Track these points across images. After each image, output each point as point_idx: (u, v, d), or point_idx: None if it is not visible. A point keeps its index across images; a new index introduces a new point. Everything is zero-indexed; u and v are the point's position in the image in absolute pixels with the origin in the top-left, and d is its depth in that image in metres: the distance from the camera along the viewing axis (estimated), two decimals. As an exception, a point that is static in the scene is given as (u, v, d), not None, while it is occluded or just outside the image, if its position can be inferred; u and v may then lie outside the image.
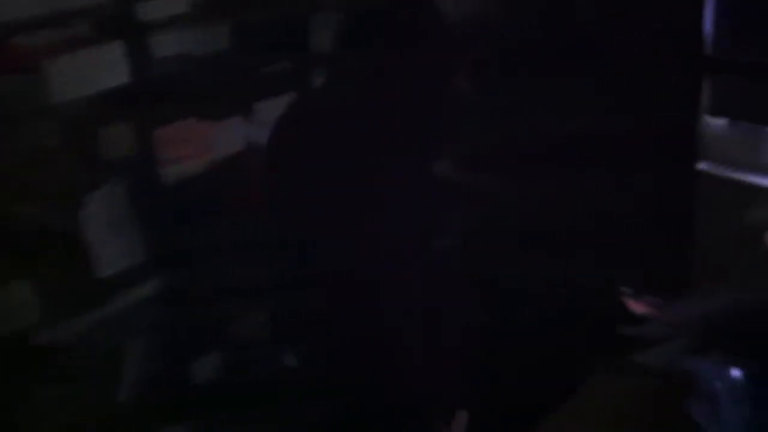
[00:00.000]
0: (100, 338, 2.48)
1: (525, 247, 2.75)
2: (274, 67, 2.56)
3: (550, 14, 3.05)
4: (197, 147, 2.61)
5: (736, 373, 1.70)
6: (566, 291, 2.82)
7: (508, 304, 2.63)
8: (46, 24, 2.30)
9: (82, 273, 2.47)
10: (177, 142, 2.60)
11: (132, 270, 2.60)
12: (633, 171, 3.24)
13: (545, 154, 3.06)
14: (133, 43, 2.44)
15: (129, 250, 2.60)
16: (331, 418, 1.81)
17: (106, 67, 2.42)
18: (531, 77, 3.05)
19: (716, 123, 3.16)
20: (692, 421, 1.59)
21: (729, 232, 2.72)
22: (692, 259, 3.18)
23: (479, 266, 2.35)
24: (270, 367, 2.45)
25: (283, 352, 2.24)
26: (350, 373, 1.80)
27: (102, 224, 2.54)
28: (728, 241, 2.71)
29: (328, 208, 1.71)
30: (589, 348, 2.22)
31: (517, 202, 3.02)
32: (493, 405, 2.18)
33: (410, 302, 1.75)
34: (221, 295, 2.60)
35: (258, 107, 2.60)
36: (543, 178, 3.05)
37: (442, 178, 2.15)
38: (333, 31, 1.86)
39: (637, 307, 2.85)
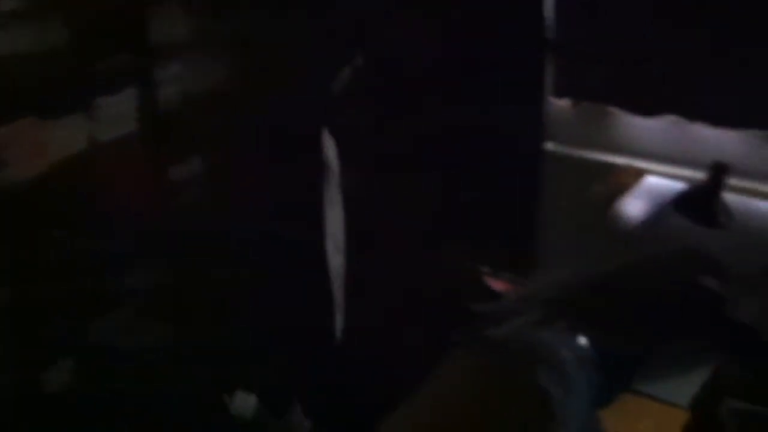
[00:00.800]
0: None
1: (381, 231, 2.76)
2: (114, 61, 2.48)
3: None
4: (36, 148, 2.49)
5: (582, 341, 1.76)
6: (425, 272, 2.85)
7: (366, 284, 2.63)
8: None
9: None
10: (14, 144, 2.48)
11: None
12: (484, 154, 3.32)
13: (400, 140, 3.08)
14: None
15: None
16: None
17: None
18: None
19: (560, 104, 3.28)
20: (542, 390, 1.63)
21: (576, 209, 2.81)
22: (542, 236, 3.29)
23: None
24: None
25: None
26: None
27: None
28: (575, 217, 2.81)
29: None
30: (445, 326, 2.25)
31: (372, 189, 3.02)
32: (352, 386, 2.20)
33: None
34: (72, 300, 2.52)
35: (99, 103, 2.51)
36: (400, 165, 3.07)
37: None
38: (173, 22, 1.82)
39: (495, 284, 2.94)
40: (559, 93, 3.26)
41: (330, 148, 1.97)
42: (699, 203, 2.37)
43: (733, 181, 2.39)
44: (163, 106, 2.58)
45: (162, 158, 2.61)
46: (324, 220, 1.95)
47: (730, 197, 2.36)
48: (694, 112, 2.95)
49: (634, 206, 2.69)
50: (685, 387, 1.94)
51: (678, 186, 2.50)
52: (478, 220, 3.30)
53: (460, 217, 3.31)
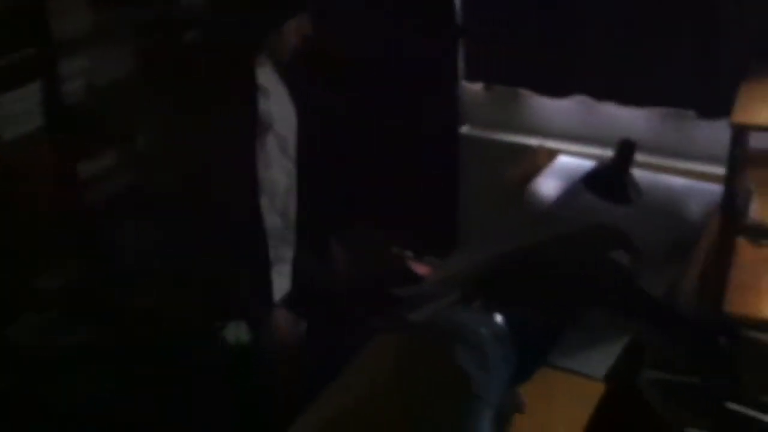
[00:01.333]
0: None
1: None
2: (16, 56, 2.40)
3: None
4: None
5: (498, 319, 1.78)
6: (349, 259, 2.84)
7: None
8: None
9: None
10: None
11: None
12: (401, 140, 3.33)
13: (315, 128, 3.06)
14: None
15: None
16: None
17: None
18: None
19: (473, 88, 3.31)
20: (462, 370, 1.65)
21: (491, 191, 2.84)
22: (460, 218, 3.33)
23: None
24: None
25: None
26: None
27: None
28: (491, 198, 2.84)
29: None
30: (370, 311, 2.26)
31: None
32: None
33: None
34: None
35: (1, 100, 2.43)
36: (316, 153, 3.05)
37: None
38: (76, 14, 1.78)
39: (418, 269, 2.96)
40: (472, 77, 3.29)
41: (266, 104, 1.95)
42: (608, 180, 2.42)
43: (640, 158, 2.45)
44: (69, 100, 2.51)
45: (70, 154, 2.54)
46: (257, 177, 1.93)
47: (638, 173, 2.42)
48: (601, 92, 3.02)
49: (547, 185, 2.74)
50: (601, 360, 1.98)
51: (588, 164, 2.55)
52: (398, 206, 3.31)
53: (381, 203, 3.32)
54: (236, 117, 1.92)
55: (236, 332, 2.01)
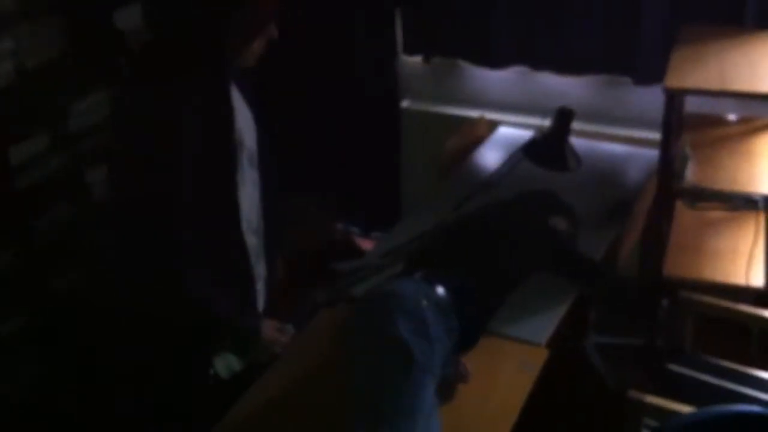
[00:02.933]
0: None
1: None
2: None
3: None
4: None
5: (439, 290, 1.79)
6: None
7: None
8: None
9: None
10: None
11: None
12: (341, 115, 3.31)
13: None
14: None
15: None
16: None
17: None
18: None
19: (412, 61, 3.29)
20: (403, 341, 1.65)
21: (433, 163, 2.84)
22: (403, 191, 3.32)
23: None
24: None
25: None
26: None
27: None
28: (432, 170, 2.84)
29: None
30: (313, 285, 2.26)
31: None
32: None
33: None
34: None
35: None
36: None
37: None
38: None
39: (363, 244, 2.95)
40: (410, 50, 3.27)
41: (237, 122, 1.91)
42: (548, 149, 2.44)
43: (578, 126, 2.47)
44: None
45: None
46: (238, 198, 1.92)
47: (576, 141, 2.44)
48: (539, 62, 3.03)
49: (488, 156, 2.75)
50: (543, 326, 1.99)
51: (528, 134, 2.56)
52: (341, 182, 3.30)
53: (324, 180, 3.30)
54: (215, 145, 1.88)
55: (226, 364, 1.99)
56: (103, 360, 2.58)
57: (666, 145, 2.26)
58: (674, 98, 2.25)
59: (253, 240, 2.00)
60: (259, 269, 2.04)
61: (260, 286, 2.06)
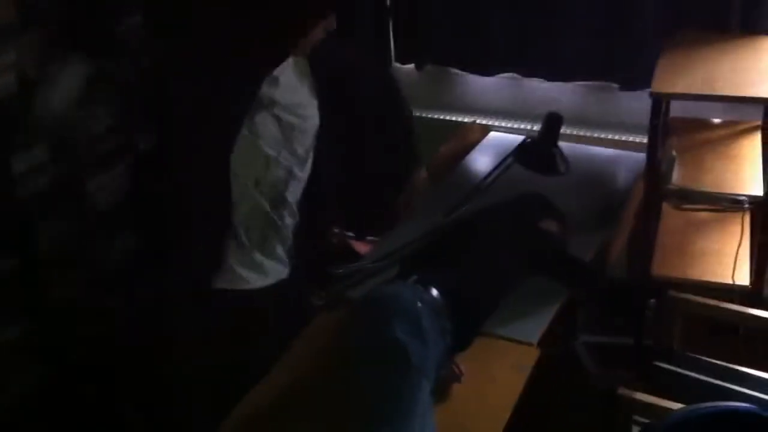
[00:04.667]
0: None
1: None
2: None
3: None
4: None
5: (434, 292, 1.84)
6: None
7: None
8: None
9: None
10: None
11: None
12: (342, 121, 3.34)
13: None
14: None
15: None
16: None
17: None
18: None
19: (405, 69, 3.34)
20: (400, 343, 1.70)
21: (426, 167, 2.89)
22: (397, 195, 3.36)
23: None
24: None
25: None
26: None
27: None
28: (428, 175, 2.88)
29: None
30: (311, 288, 2.30)
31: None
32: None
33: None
34: None
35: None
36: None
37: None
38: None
39: (359, 247, 2.99)
40: (402, 59, 3.32)
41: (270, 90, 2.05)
42: (538, 153, 2.48)
43: (567, 130, 2.52)
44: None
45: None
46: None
47: (566, 145, 2.49)
48: (528, 70, 3.08)
49: (480, 160, 2.80)
50: (534, 326, 2.04)
51: (518, 139, 2.61)
52: (341, 186, 3.32)
53: (325, 184, 3.33)
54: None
55: None
56: (102, 372, 2.61)
57: (653, 149, 2.32)
58: (660, 103, 2.31)
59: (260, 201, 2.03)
60: (269, 234, 2.06)
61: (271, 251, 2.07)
